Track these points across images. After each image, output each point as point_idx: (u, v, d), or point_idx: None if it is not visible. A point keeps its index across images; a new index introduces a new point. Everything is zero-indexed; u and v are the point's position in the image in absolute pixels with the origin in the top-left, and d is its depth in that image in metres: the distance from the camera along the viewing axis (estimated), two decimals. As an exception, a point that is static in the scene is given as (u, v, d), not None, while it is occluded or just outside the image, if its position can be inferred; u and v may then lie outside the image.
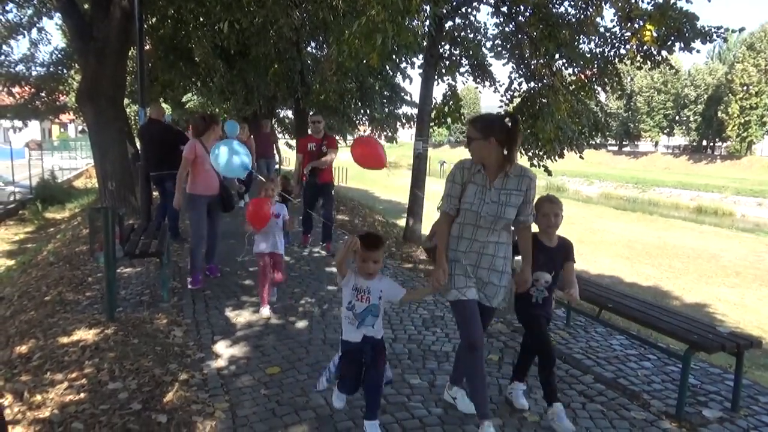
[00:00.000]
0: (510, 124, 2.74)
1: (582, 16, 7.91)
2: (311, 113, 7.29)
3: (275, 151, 11.80)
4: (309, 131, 7.04)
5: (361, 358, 2.69)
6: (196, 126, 5.53)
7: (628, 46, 7.88)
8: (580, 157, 8.67)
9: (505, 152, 2.74)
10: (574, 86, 8.44)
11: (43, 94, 16.95)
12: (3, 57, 14.66)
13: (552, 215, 3.05)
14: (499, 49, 8.52)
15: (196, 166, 5.30)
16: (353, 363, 2.72)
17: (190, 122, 6.35)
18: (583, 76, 8.63)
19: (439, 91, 8.87)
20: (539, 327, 3.10)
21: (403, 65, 12.40)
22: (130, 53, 10.45)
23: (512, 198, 2.78)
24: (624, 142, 58.10)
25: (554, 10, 7.90)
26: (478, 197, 2.79)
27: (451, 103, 8.55)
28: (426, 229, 10.26)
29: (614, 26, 7.98)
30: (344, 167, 26.77)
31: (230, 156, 4.64)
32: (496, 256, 2.86)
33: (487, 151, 2.74)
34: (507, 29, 8.42)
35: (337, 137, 10.57)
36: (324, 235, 7.09)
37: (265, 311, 4.72)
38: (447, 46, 8.51)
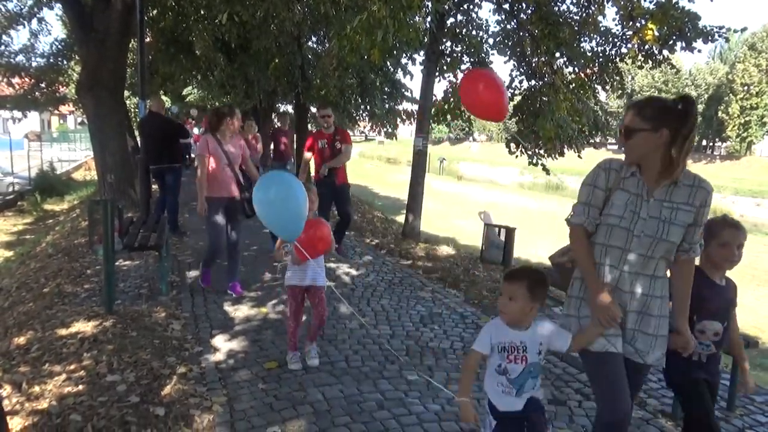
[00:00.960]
0: (686, 110, 1.99)
1: (584, 15, 7.93)
2: (319, 107, 6.79)
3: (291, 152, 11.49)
4: (310, 126, 6.87)
5: (523, 425, 2.13)
6: (208, 121, 5.01)
7: (629, 45, 7.91)
8: (578, 156, 8.68)
9: (675, 150, 1.99)
10: (574, 85, 8.46)
11: (42, 85, 16.93)
12: (3, 47, 14.64)
13: (735, 246, 2.34)
14: (501, 45, 8.55)
15: (210, 165, 4.82)
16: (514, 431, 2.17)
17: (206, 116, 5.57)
18: (583, 75, 8.66)
19: (440, 87, 8.91)
20: (699, 396, 2.34)
21: (404, 61, 12.36)
22: (130, 45, 10.42)
23: (680, 214, 2.04)
24: (624, 141, 58.15)
25: (556, 9, 7.91)
26: (630, 210, 2.06)
27: (452, 99, 8.57)
28: (425, 225, 10.32)
29: (616, 25, 8.00)
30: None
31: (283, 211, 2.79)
32: (651, 295, 2.11)
33: (655, 147, 2.01)
34: (508, 27, 8.43)
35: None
36: (336, 237, 6.14)
37: (295, 362, 3.63)
38: (448, 43, 8.52)
